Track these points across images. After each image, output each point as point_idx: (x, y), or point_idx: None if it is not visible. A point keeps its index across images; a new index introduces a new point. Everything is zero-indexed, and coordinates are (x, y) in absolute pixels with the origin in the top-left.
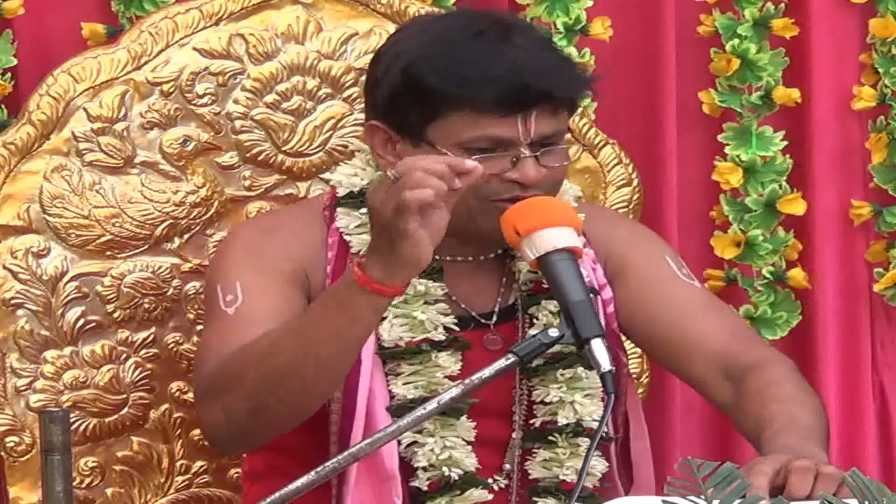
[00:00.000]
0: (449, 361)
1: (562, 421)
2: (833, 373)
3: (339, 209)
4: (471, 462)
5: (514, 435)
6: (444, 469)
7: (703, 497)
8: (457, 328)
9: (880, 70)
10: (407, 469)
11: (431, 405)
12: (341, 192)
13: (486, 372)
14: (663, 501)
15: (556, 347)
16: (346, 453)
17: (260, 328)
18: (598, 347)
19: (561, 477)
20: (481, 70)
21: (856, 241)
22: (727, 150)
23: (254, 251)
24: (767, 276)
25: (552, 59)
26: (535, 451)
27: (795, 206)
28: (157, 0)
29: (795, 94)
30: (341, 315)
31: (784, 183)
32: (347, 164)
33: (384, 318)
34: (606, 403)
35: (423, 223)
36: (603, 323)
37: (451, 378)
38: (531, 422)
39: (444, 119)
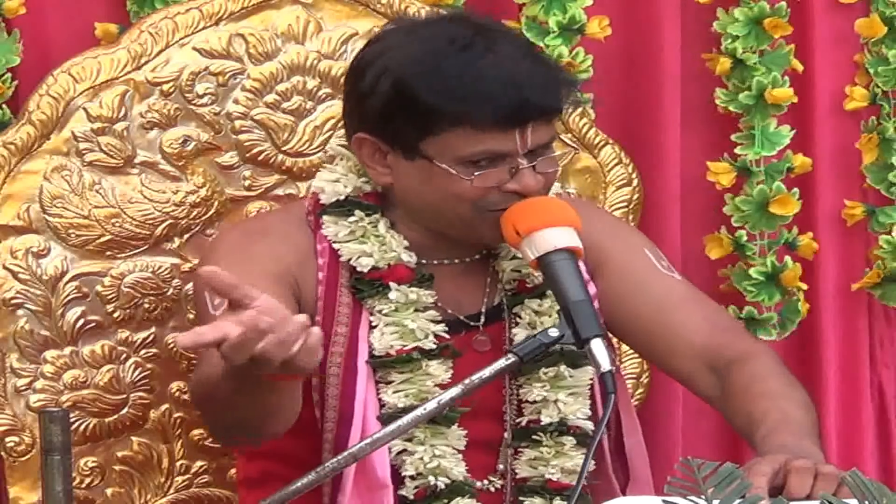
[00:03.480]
0: (439, 370)
1: (545, 420)
2: (832, 372)
3: (325, 217)
4: (459, 471)
5: (505, 435)
6: (431, 478)
7: (703, 497)
8: (447, 336)
9: (870, 70)
10: (396, 477)
11: (431, 405)
12: (325, 199)
13: (486, 372)
14: (664, 501)
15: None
16: (346, 453)
17: None
18: (598, 347)
19: (546, 476)
20: (478, 87)
21: (854, 241)
22: (738, 150)
23: (241, 254)
24: (756, 276)
25: (543, 70)
26: (522, 449)
27: (788, 206)
28: (169, 0)
29: (789, 93)
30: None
31: (779, 183)
32: (328, 170)
33: (375, 327)
34: (606, 403)
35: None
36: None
37: (442, 387)
38: (518, 420)
39: (442, 135)
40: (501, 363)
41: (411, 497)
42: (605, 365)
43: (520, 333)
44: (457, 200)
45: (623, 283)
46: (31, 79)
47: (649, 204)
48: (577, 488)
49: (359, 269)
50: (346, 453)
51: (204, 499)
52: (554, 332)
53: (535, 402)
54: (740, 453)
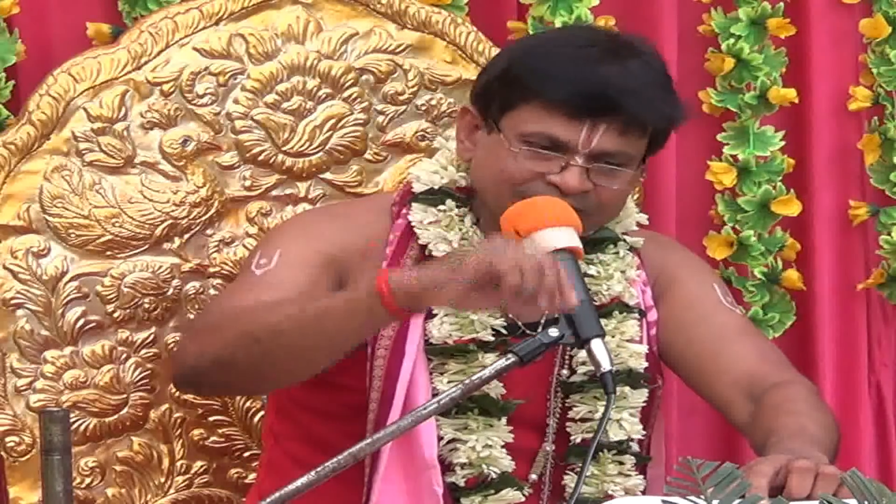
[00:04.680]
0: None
1: (613, 438)
2: (830, 372)
3: (414, 204)
4: (508, 463)
5: (545, 446)
6: (483, 467)
7: (702, 497)
8: (504, 332)
9: (873, 70)
10: (442, 466)
11: (431, 405)
12: (418, 187)
13: (486, 372)
14: (663, 501)
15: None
16: (346, 452)
17: (269, 292)
18: (599, 348)
19: (610, 492)
20: (564, 69)
21: (852, 240)
22: (726, 149)
23: (310, 229)
24: (759, 276)
25: (647, 82)
26: (575, 466)
27: (790, 206)
28: (162, 0)
29: (791, 94)
30: (346, 314)
31: (779, 183)
32: (429, 161)
33: (434, 315)
34: (607, 403)
35: (486, 295)
36: (645, 344)
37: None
38: (572, 438)
39: (518, 109)
40: (501, 363)
41: (461, 484)
42: (606, 365)
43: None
44: (500, 178)
45: (687, 313)
46: (30, 79)
47: (644, 204)
48: (578, 485)
49: (434, 253)
50: (346, 453)
51: (204, 499)
52: (554, 333)
53: (593, 419)
54: (734, 452)
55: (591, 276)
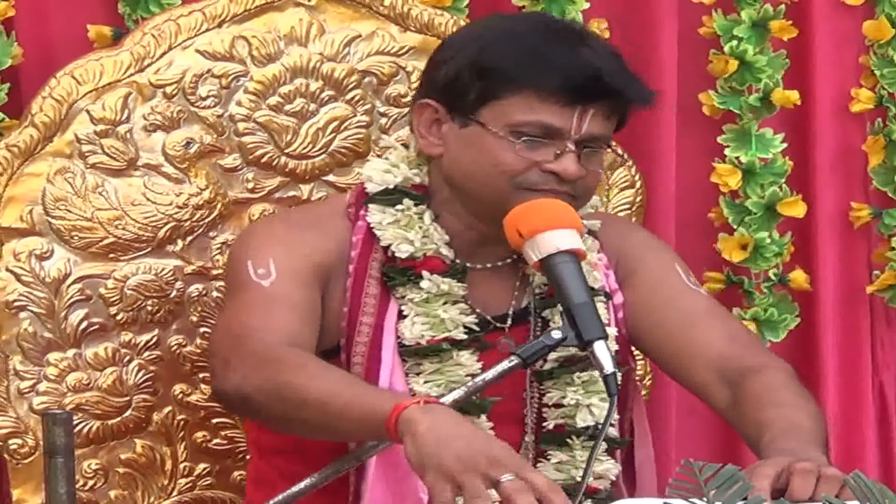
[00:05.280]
0: (470, 360)
1: (580, 423)
2: (833, 374)
3: (371, 205)
4: None
5: (526, 438)
6: None
7: (705, 499)
8: (477, 328)
9: (876, 72)
10: None
11: None
12: (372, 187)
13: (490, 374)
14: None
15: (571, 351)
16: (326, 468)
17: (289, 313)
18: (601, 349)
19: (579, 479)
20: (551, 57)
21: (855, 242)
22: (727, 151)
23: (287, 238)
24: (773, 278)
25: (621, 65)
26: (550, 453)
27: (796, 208)
28: (163, 2)
29: (794, 96)
30: (359, 424)
31: (784, 185)
32: (379, 160)
33: (405, 317)
34: (610, 405)
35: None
36: (613, 327)
37: (473, 377)
38: (544, 424)
39: (502, 100)
40: (505, 365)
41: None
42: (608, 367)
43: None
44: (497, 171)
45: (652, 296)
46: (31, 81)
47: (644, 207)
48: (582, 484)
49: (397, 254)
50: (326, 469)
51: (207, 501)
52: (557, 335)
53: (564, 405)
54: (733, 453)
55: None
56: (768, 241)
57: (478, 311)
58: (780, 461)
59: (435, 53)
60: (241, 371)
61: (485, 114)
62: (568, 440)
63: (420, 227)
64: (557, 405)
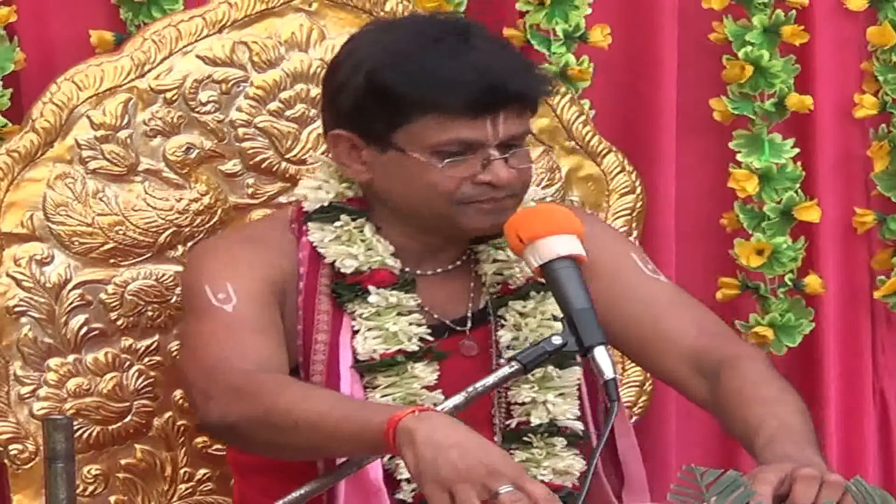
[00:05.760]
0: (425, 372)
1: (535, 421)
2: (834, 378)
3: (310, 224)
4: None
5: (495, 438)
6: None
7: None
8: (430, 338)
9: (880, 78)
10: (391, 482)
11: None
12: (308, 206)
13: (490, 379)
14: None
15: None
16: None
17: (257, 336)
18: (602, 355)
19: (539, 478)
20: (448, 74)
21: (857, 247)
22: (739, 157)
23: (240, 258)
24: (788, 283)
25: (515, 61)
26: (513, 452)
27: (811, 213)
28: (165, 7)
29: (808, 100)
30: (353, 440)
31: (799, 190)
32: (310, 178)
33: (357, 332)
34: (610, 410)
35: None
36: None
37: (429, 388)
38: (507, 423)
39: (413, 124)
40: (505, 370)
41: (409, 501)
42: (609, 373)
43: (505, 336)
44: (432, 193)
45: (611, 288)
46: (32, 86)
47: (645, 212)
48: (584, 489)
49: (342, 270)
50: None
51: None
52: (557, 340)
53: (523, 403)
54: (732, 457)
55: (502, 260)
56: (785, 246)
57: (436, 316)
58: (782, 467)
59: (325, 80)
60: (222, 402)
61: (400, 138)
62: (525, 438)
63: (362, 241)
64: (515, 403)
